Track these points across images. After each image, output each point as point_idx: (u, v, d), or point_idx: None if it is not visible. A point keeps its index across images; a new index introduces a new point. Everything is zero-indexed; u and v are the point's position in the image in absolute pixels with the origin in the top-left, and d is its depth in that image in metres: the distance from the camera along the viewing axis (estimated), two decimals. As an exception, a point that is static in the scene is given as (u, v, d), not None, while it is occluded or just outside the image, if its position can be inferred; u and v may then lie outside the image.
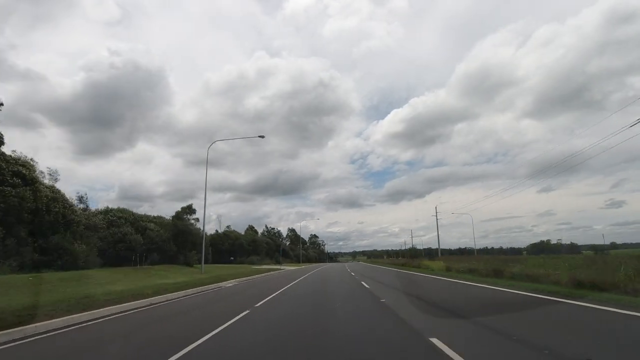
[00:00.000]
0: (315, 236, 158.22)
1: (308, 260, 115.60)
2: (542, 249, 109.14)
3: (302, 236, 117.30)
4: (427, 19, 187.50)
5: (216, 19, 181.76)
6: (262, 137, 31.22)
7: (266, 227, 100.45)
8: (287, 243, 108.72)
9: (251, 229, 76.04)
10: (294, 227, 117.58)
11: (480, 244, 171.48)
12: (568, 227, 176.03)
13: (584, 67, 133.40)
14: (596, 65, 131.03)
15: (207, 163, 27.34)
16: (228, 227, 67.80)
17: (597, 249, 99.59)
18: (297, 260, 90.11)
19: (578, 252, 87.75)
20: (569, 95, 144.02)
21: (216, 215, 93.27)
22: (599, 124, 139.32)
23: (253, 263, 54.93)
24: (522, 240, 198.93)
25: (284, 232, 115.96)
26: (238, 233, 63.87)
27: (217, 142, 44.57)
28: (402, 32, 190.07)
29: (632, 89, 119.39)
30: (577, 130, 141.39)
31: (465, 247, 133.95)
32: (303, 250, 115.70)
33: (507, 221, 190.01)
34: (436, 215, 65.20)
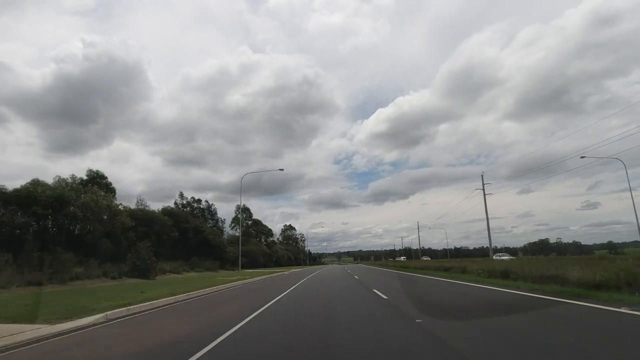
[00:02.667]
0: (291, 227, 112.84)
1: (277, 263, 70.41)
2: (542, 248, 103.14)
3: (272, 226, 72.03)
4: (414, 17, 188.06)
5: (199, 12, 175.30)
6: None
7: (181, 195, 54.62)
8: (234, 231, 63.25)
9: (91, 175, 28.56)
10: (248, 206, 71.73)
11: (462, 244, 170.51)
12: (546, 228, 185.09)
13: (564, 69, 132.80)
14: (576, 68, 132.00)
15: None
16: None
17: (610, 247, 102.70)
18: (237, 263, 45.74)
19: (589, 251, 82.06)
20: (549, 97, 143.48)
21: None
22: (577, 126, 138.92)
23: None
24: (502, 241, 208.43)
25: (230, 212, 70.22)
26: None
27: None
28: (388, 30, 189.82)
29: (609, 92, 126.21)
30: (556, 133, 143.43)
31: (462, 247, 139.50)
32: (266, 246, 70.20)
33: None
34: (483, 189, 44.50)
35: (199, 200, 55.60)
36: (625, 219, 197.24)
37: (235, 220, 66.63)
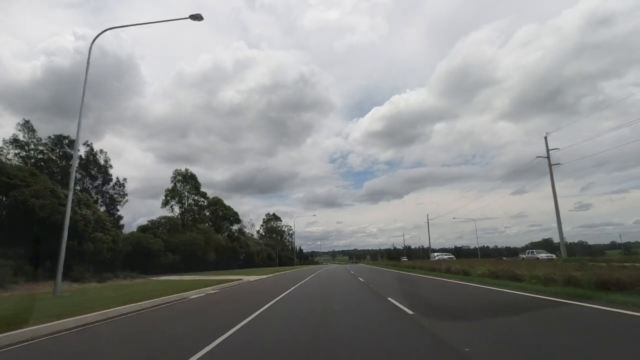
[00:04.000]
0: (275, 217, 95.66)
1: (247, 261, 54.11)
2: (545, 248, 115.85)
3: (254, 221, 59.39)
4: (412, 15, 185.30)
5: (194, 7, 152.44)
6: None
7: (29, 128, 29.87)
8: (169, 211, 45.99)
9: None
10: (191, 170, 50.64)
11: (457, 244, 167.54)
12: (539, 229, 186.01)
13: (560, 70, 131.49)
14: (572, 69, 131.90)
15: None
16: None
17: (623, 247, 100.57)
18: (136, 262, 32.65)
19: (598, 252, 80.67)
20: (545, 98, 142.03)
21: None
22: (571, 127, 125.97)
23: None
24: (495, 241, 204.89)
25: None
26: None
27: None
28: (386, 28, 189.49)
29: (603, 94, 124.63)
30: (551, 134, 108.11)
31: (462, 247, 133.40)
32: (228, 237, 58.41)
33: (482, 222, 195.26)
34: (548, 157, 31.64)
35: (70, 141, 30.18)
36: (617, 220, 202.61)
37: (172, 192, 44.16)
